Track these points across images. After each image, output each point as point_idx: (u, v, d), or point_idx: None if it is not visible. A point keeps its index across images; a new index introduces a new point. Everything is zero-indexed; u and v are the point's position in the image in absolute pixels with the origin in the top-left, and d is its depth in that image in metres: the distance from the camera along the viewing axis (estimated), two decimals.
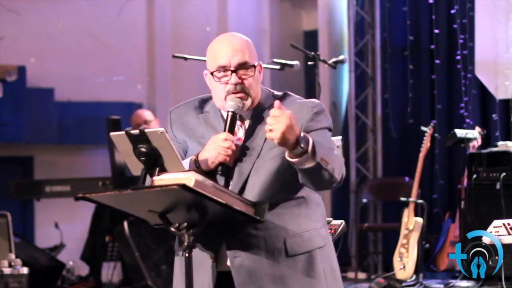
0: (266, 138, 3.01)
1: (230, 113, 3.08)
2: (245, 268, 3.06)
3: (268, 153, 3.07)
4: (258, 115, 3.12)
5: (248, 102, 3.09)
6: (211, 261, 3.07)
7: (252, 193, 3.07)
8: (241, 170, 3.09)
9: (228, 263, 3.07)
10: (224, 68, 3.10)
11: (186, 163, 3.11)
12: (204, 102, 3.26)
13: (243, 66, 3.08)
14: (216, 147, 3.04)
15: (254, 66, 3.09)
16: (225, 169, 3.08)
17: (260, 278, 3.05)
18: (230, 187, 3.08)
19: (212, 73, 3.15)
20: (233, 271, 3.06)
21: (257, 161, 3.08)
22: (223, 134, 3.05)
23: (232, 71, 3.08)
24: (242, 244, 3.06)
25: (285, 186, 3.09)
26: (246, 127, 3.13)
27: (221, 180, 3.10)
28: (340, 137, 6.44)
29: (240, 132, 3.14)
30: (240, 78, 3.08)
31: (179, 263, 3.20)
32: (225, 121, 3.08)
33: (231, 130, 3.07)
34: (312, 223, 3.13)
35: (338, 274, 3.20)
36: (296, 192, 3.11)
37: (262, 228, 3.04)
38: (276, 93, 3.20)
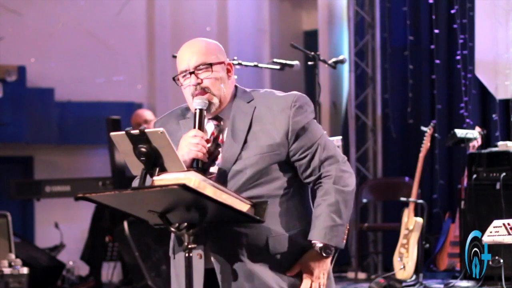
0: (248, 131, 3.12)
1: (197, 111, 3.13)
2: (227, 266, 3.08)
3: (254, 147, 3.11)
4: (238, 111, 3.17)
5: (215, 101, 3.15)
6: (198, 258, 3.09)
7: (236, 184, 3.09)
8: (224, 164, 3.12)
9: (212, 259, 3.10)
10: (184, 72, 3.17)
11: None
12: (187, 109, 3.29)
13: (199, 68, 3.14)
14: (186, 144, 3.10)
15: (211, 65, 3.14)
16: (200, 164, 3.11)
17: (241, 276, 3.07)
18: (213, 175, 3.11)
19: (178, 80, 3.20)
20: (216, 268, 3.09)
21: (243, 153, 3.12)
22: (192, 131, 3.12)
23: (191, 73, 3.15)
24: (225, 241, 3.09)
25: (269, 182, 3.12)
26: (228, 125, 3.17)
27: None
28: (340, 137, 6.44)
29: (218, 131, 3.18)
30: (200, 79, 3.15)
31: (173, 264, 3.25)
32: (194, 120, 3.13)
33: (200, 127, 3.12)
34: (298, 222, 3.15)
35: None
36: (282, 189, 3.14)
37: (245, 225, 3.07)
38: (250, 90, 3.25)
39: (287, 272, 3.11)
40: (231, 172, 3.11)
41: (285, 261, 3.12)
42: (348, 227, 3.14)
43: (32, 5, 9.10)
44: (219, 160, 3.15)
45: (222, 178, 3.10)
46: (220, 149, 3.16)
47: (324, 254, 3.09)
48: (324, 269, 3.12)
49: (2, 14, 8.95)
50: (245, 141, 3.13)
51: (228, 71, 3.20)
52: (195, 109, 3.13)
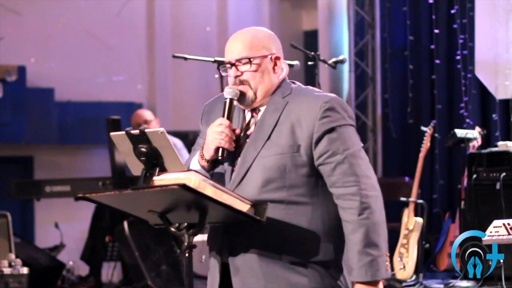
0: (274, 127, 3.06)
1: (227, 100, 3.10)
2: (241, 264, 3.09)
3: (276, 146, 3.04)
4: (271, 104, 3.12)
5: (250, 93, 3.11)
6: (215, 253, 3.17)
7: (252, 184, 3.05)
8: (244, 158, 3.07)
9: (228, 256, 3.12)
10: (227, 63, 3.15)
11: (195, 158, 3.13)
12: None
13: (240, 60, 3.12)
14: (211, 133, 3.08)
15: (251, 60, 3.10)
16: (225, 153, 3.07)
17: (252, 277, 3.05)
18: (232, 175, 3.08)
19: (220, 69, 3.20)
20: (230, 266, 3.12)
21: (262, 151, 3.06)
22: (218, 120, 3.09)
23: (231, 65, 3.13)
24: (240, 241, 3.07)
25: (289, 186, 3.03)
26: (259, 117, 3.13)
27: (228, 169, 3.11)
28: None
29: (252, 122, 3.14)
30: (240, 71, 3.12)
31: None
32: (224, 108, 3.11)
33: (228, 116, 3.08)
34: (320, 233, 3.04)
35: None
36: (303, 196, 3.04)
37: (260, 227, 3.00)
38: (297, 85, 3.20)
39: None
40: (250, 171, 3.06)
41: (298, 271, 3.04)
42: (387, 254, 3.01)
43: (32, 5, 9.10)
44: (243, 151, 3.09)
45: (241, 173, 3.07)
46: (247, 141, 3.11)
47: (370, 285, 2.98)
48: None
49: (2, 14, 8.94)
50: (269, 138, 3.06)
51: (275, 63, 3.16)
52: (225, 98, 3.11)
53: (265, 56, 3.14)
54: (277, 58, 3.16)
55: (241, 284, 3.09)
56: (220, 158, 3.06)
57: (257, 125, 3.10)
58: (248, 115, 3.16)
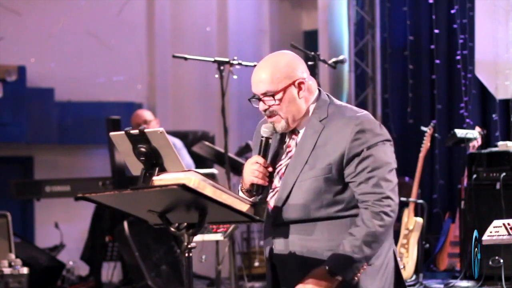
0: (312, 151, 3.23)
1: (263, 139, 3.30)
2: (286, 268, 3.25)
3: (312, 169, 3.22)
4: (309, 128, 3.29)
5: (282, 124, 3.29)
6: (267, 251, 3.29)
7: (295, 206, 3.23)
8: (286, 182, 3.26)
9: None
10: (255, 96, 3.32)
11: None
12: None
13: (265, 95, 3.27)
14: (247, 169, 3.28)
15: (274, 95, 3.24)
16: (258, 188, 3.26)
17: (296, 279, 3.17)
18: (275, 197, 3.25)
19: (250, 100, 3.36)
20: (277, 264, 3.28)
21: (301, 175, 3.23)
22: (254, 158, 3.28)
23: (259, 99, 3.30)
24: (285, 248, 3.23)
25: (327, 205, 3.21)
26: (298, 139, 3.31)
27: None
28: None
29: (293, 144, 3.33)
30: (267, 105, 3.28)
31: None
32: (260, 146, 3.30)
33: (264, 154, 3.29)
34: None
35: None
36: (341, 211, 3.22)
37: (306, 239, 3.20)
38: (335, 102, 3.34)
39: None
40: (291, 194, 3.24)
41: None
42: (365, 266, 3.17)
43: (32, 5, 9.09)
44: (285, 174, 3.28)
45: (283, 196, 3.25)
46: (288, 162, 3.29)
47: (329, 275, 3.13)
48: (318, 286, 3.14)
49: (2, 14, 8.94)
50: (306, 162, 3.24)
51: (300, 88, 3.29)
52: (262, 137, 3.30)
53: (288, 87, 3.27)
54: (300, 83, 3.29)
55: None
56: (254, 193, 3.26)
57: (297, 149, 3.29)
58: (287, 138, 3.35)
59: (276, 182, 3.29)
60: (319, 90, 3.38)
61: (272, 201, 3.28)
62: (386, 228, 3.16)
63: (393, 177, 3.23)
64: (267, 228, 3.31)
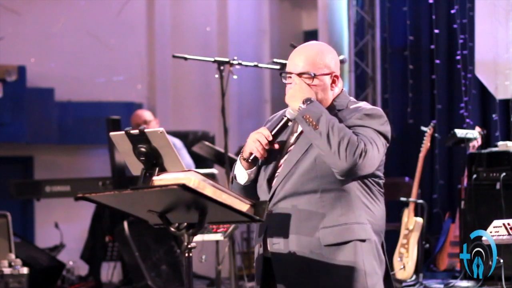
0: None
1: (284, 118, 3.34)
2: (282, 256, 3.24)
3: (312, 155, 3.26)
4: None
5: None
6: (258, 247, 3.32)
7: (292, 179, 3.28)
8: (290, 159, 3.32)
9: (269, 248, 3.28)
10: (290, 74, 3.38)
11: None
12: None
13: (301, 75, 3.32)
14: (250, 137, 3.31)
15: (312, 77, 3.31)
16: (254, 159, 3.30)
17: (294, 266, 3.23)
18: (279, 170, 3.31)
19: (281, 74, 3.42)
20: (271, 257, 3.27)
21: (305, 153, 3.29)
22: (262, 129, 3.32)
23: (298, 75, 3.34)
24: (280, 232, 3.24)
25: (321, 176, 3.25)
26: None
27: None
28: None
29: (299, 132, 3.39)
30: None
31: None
32: (279, 122, 3.33)
33: (278, 132, 3.32)
34: (353, 216, 3.26)
35: (381, 271, 3.30)
36: (334, 183, 3.24)
37: (298, 217, 3.23)
38: (352, 101, 3.41)
39: None
40: (289, 172, 3.29)
41: (339, 252, 3.22)
42: (313, 124, 3.21)
43: (32, 5, 9.09)
44: (288, 154, 3.34)
45: (285, 171, 3.30)
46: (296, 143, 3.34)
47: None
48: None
49: (2, 14, 8.94)
50: (306, 150, 3.28)
51: (333, 81, 3.38)
52: (283, 116, 3.33)
53: (326, 75, 3.35)
54: (336, 76, 3.37)
55: (281, 273, 3.26)
56: (249, 161, 3.30)
57: (302, 137, 3.34)
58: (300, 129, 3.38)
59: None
60: (343, 89, 3.46)
61: (263, 182, 3.32)
62: (340, 157, 3.17)
63: (381, 145, 3.27)
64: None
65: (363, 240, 3.25)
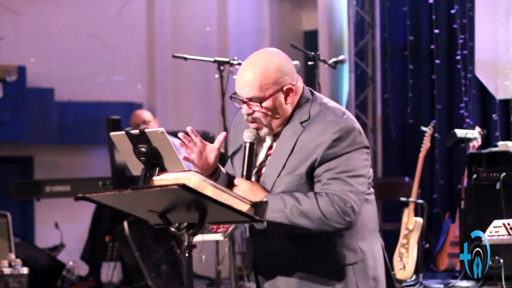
0: (289, 156, 3.14)
1: (247, 145, 3.20)
2: (266, 270, 3.22)
3: (288, 175, 3.14)
4: (289, 129, 3.19)
5: (264, 131, 3.20)
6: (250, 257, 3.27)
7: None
8: (264, 185, 3.19)
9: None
10: (238, 97, 3.19)
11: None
12: None
13: (251, 100, 3.15)
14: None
15: (260, 103, 3.13)
16: None
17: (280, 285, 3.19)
18: None
19: (231, 97, 3.23)
20: (257, 267, 3.25)
21: (278, 180, 3.16)
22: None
23: (243, 102, 3.17)
24: (265, 256, 3.22)
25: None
26: (278, 143, 3.22)
27: None
28: None
29: (274, 145, 3.24)
30: (252, 109, 3.17)
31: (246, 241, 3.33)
32: (244, 152, 3.19)
33: (249, 160, 3.18)
34: (341, 239, 3.16)
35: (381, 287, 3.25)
36: None
37: (286, 244, 3.16)
38: (318, 100, 3.24)
39: None
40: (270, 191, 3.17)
41: (328, 278, 3.16)
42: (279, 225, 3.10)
43: (32, 5, 9.09)
44: (262, 178, 3.22)
45: None
46: (264, 169, 3.21)
47: (259, 197, 3.10)
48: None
49: (2, 14, 8.94)
50: (284, 167, 3.15)
51: (287, 94, 3.17)
52: (245, 142, 3.20)
53: (276, 93, 3.16)
54: (289, 89, 3.17)
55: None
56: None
57: (274, 152, 3.20)
58: (269, 139, 3.24)
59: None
60: (303, 87, 3.26)
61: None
62: (332, 227, 3.07)
63: (359, 185, 3.10)
64: (247, 237, 3.29)
65: (353, 264, 3.17)
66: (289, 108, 3.18)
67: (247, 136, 3.19)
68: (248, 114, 3.17)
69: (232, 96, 3.20)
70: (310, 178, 3.13)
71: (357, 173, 3.11)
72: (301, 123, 3.16)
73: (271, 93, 3.14)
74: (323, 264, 3.16)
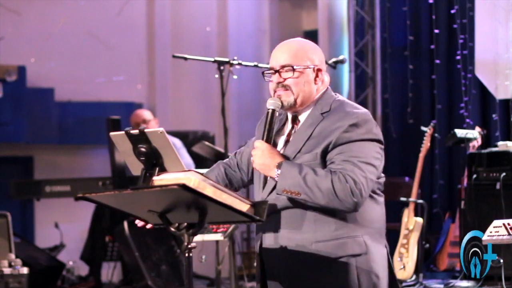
0: (306, 141, 3.25)
1: (269, 111, 3.31)
2: (274, 263, 3.26)
3: (303, 157, 3.23)
4: (309, 118, 3.32)
5: (291, 99, 3.31)
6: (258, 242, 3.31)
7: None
8: None
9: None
10: (271, 69, 3.35)
11: None
12: None
13: (285, 67, 3.31)
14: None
15: (293, 69, 3.29)
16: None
17: (285, 276, 3.23)
18: (267, 184, 3.27)
19: (264, 73, 3.39)
20: (262, 253, 3.29)
21: (292, 160, 3.23)
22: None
23: (275, 71, 3.33)
24: (275, 241, 3.24)
25: None
26: (298, 129, 3.33)
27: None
28: None
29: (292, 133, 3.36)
30: (283, 78, 3.31)
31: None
32: (266, 118, 3.30)
33: (270, 127, 3.28)
34: (347, 230, 3.21)
35: (382, 285, 3.26)
36: None
37: (294, 231, 3.20)
38: (340, 98, 3.39)
39: None
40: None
41: (331, 267, 3.19)
42: (295, 193, 3.16)
43: (32, 5, 9.09)
44: None
45: (273, 184, 3.25)
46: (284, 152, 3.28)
47: (275, 165, 3.18)
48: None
49: (2, 14, 8.94)
50: (300, 151, 3.24)
51: (317, 75, 3.36)
52: (268, 109, 3.30)
53: (308, 67, 3.32)
54: (319, 70, 3.36)
55: (271, 268, 3.30)
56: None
57: (293, 138, 3.31)
58: (289, 126, 3.37)
59: None
60: (328, 88, 3.43)
61: (261, 190, 3.31)
62: (339, 203, 3.12)
63: (370, 173, 3.17)
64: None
65: (358, 255, 3.21)
66: (314, 90, 3.35)
67: (270, 103, 3.30)
68: (279, 83, 3.31)
69: (265, 72, 3.36)
70: (323, 160, 3.21)
71: (368, 161, 3.19)
72: (322, 113, 3.29)
73: (304, 65, 3.31)
74: (327, 252, 3.19)
